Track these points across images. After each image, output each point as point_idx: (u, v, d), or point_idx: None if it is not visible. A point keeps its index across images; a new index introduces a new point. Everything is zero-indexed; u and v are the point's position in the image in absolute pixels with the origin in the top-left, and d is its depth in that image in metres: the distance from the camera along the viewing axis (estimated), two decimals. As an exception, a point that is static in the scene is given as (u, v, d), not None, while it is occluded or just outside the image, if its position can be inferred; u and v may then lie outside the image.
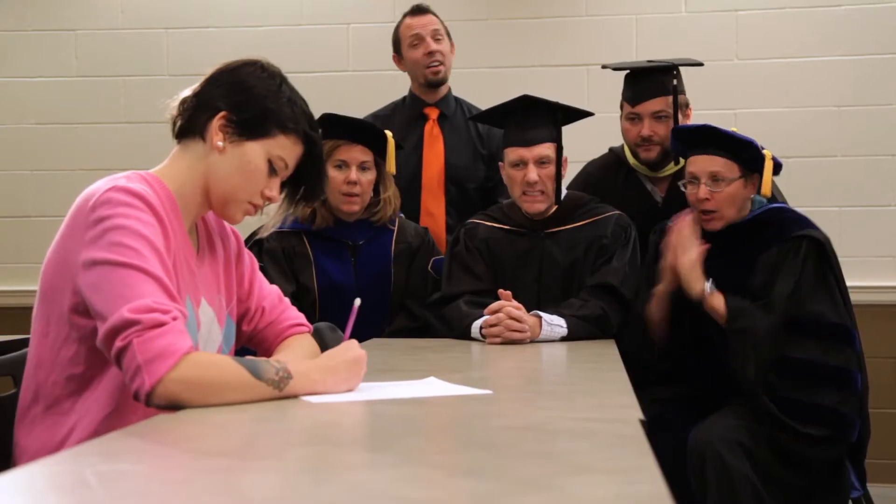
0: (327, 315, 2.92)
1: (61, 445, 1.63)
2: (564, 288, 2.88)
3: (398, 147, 3.05)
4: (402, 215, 3.15)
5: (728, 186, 2.59)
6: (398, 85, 3.68)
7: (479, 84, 3.97)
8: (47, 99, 4.40)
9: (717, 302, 2.54)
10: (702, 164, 2.61)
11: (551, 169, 2.86)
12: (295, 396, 1.60)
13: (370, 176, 2.98)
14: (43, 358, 1.68)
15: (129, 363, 1.51)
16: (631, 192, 3.09)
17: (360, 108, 3.61)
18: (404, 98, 3.59)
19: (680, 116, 3.00)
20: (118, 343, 1.51)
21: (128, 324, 1.50)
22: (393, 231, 3.07)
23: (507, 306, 2.68)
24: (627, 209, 2.96)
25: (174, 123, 1.81)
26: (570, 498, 0.95)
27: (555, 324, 2.73)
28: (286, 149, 1.79)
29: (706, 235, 2.65)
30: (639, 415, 1.45)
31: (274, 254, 2.99)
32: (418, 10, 3.48)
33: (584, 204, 2.98)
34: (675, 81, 3.00)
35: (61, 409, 1.66)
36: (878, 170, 4.11)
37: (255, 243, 3.02)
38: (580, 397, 1.79)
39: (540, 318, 2.73)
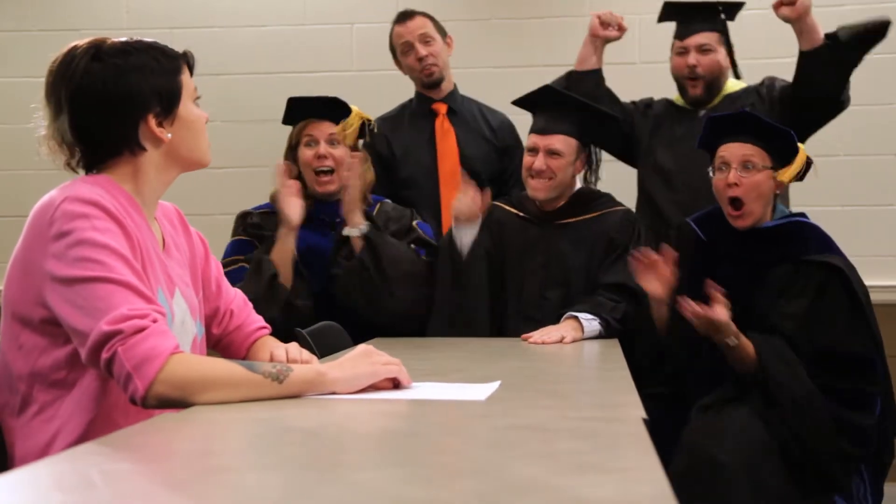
0: (308, 281, 2.94)
1: (46, 451, 1.62)
2: (569, 278, 2.94)
3: (372, 131, 3.07)
4: (387, 200, 3.18)
5: (758, 174, 2.56)
6: (403, 85, 3.68)
7: (482, 84, 3.96)
8: (51, 98, 4.40)
9: (747, 349, 2.45)
10: (734, 150, 2.59)
11: (562, 161, 2.93)
12: (302, 395, 1.59)
13: (341, 150, 3.02)
14: (22, 371, 1.67)
15: (118, 372, 1.52)
16: (683, 121, 3.30)
17: (364, 107, 3.60)
18: (412, 99, 3.60)
19: (723, 54, 3.27)
20: (104, 356, 1.52)
21: (109, 336, 1.51)
22: (372, 211, 3.09)
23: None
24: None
25: (69, 166, 1.76)
26: (572, 498, 0.95)
27: (589, 318, 2.79)
28: (188, 81, 1.79)
29: (723, 243, 2.64)
30: (641, 414, 1.45)
31: (257, 228, 3.04)
32: (403, 17, 3.47)
33: (595, 199, 3.05)
34: (723, 20, 3.28)
35: (45, 415, 1.66)
36: (881, 169, 4.10)
37: (239, 221, 3.09)
38: (582, 396, 1.79)
39: (576, 318, 2.78)
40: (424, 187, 3.36)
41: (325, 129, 3.01)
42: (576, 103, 3.02)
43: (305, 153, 3.01)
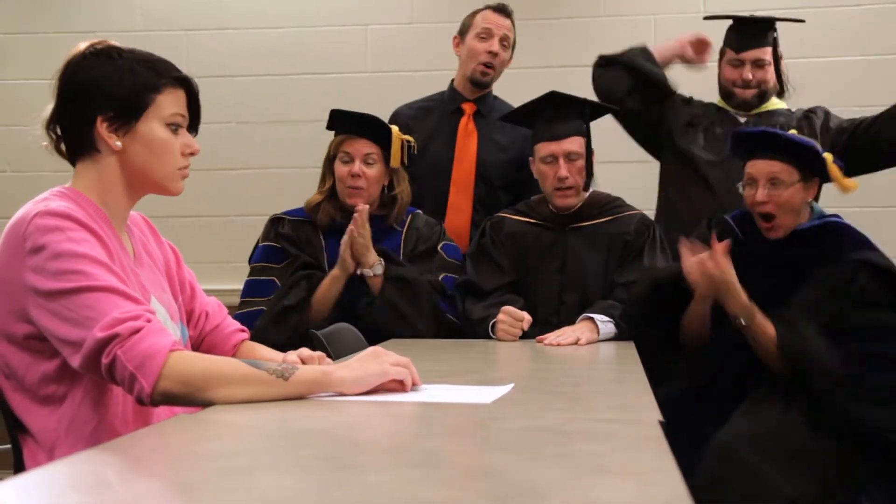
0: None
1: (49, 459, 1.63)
2: (586, 281, 2.94)
3: (411, 151, 3.06)
4: (418, 211, 3.17)
5: (786, 190, 2.57)
6: (417, 85, 3.68)
7: (498, 84, 3.96)
8: (68, 101, 4.42)
9: (765, 325, 2.48)
10: (760, 167, 2.60)
11: (580, 163, 2.94)
12: (308, 394, 1.58)
13: (376, 169, 3.01)
14: (10, 390, 1.68)
15: (121, 375, 1.52)
16: (724, 122, 3.37)
17: (378, 109, 3.61)
18: (444, 91, 3.57)
19: (772, 69, 3.33)
20: (104, 361, 1.52)
21: (105, 341, 1.52)
22: (402, 230, 3.09)
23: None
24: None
25: (58, 152, 1.79)
26: (588, 500, 0.95)
27: (605, 320, 2.79)
28: (172, 103, 1.76)
29: (759, 245, 2.63)
30: (658, 416, 1.45)
31: (290, 238, 3.06)
32: (502, 10, 3.44)
33: (609, 202, 3.06)
34: (774, 34, 3.33)
35: (41, 431, 1.66)
36: (899, 170, 4.08)
37: (270, 226, 3.08)
38: (598, 398, 1.79)
39: (592, 319, 2.78)
40: (434, 185, 3.35)
41: (362, 147, 3.00)
42: (577, 102, 3.02)
43: (340, 168, 3.02)
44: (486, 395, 1.67)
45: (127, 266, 1.74)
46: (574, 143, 2.93)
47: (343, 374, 1.61)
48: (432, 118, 3.40)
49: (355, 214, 2.88)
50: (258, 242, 3.13)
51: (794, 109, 3.39)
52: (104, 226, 1.72)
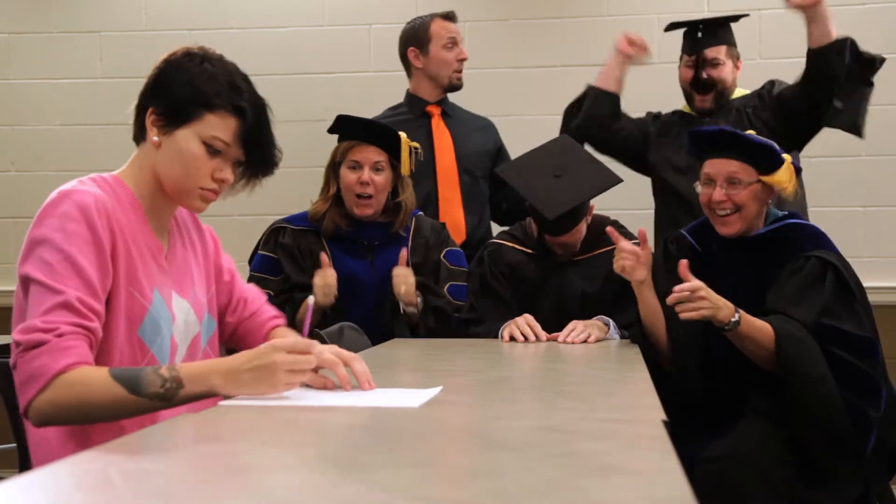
0: (346, 307, 2.95)
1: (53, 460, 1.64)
2: (584, 314, 2.88)
3: (418, 158, 3.08)
4: (420, 213, 3.17)
5: (745, 190, 2.54)
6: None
7: (501, 84, 3.96)
8: (72, 100, 4.43)
9: (755, 324, 2.39)
10: (718, 166, 2.57)
11: (581, 230, 2.92)
12: (198, 398, 1.57)
13: (384, 176, 3.00)
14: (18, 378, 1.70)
15: (17, 382, 1.55)
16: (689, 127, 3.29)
17: (382, 108, 3.62)
18: (401, 103, 3.66)
19: (730, 66, 3.32)
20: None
21: (15, 345, 1.54)
22: (408, 235, 3.08)
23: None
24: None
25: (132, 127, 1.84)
26: (592, 500, 0.95)
27: (617, 330, 2.82)
28: (218, 126, 1.75)
29: (718, 254, 2.62)
30: (661, 415, 1.44)
31: (289, 249, 3.04)
32: (453, 17, 3.59)
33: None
34: (731, 34, 3.33)
35: (43, 426, 1.66)
36: (904, 169, 4.07)
37: (271, 234, 3.07)
38: (602, 398, 1.78)
39: (605, 322, 2.81)
40: (421, 184, 3.37)
41: (371, 154, 2.98)
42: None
43: (348, 175, 2.99)
44: (413, 398, 1.61)
45: (151, 260, 1.75)
46: (569, 237, 2.91)
47: (230, 390, 1.56)
48: (402, 126, 3.43)
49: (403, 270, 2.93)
50: (258, 246, 3.12)
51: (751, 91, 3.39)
52: (133, 216, 1.73)
